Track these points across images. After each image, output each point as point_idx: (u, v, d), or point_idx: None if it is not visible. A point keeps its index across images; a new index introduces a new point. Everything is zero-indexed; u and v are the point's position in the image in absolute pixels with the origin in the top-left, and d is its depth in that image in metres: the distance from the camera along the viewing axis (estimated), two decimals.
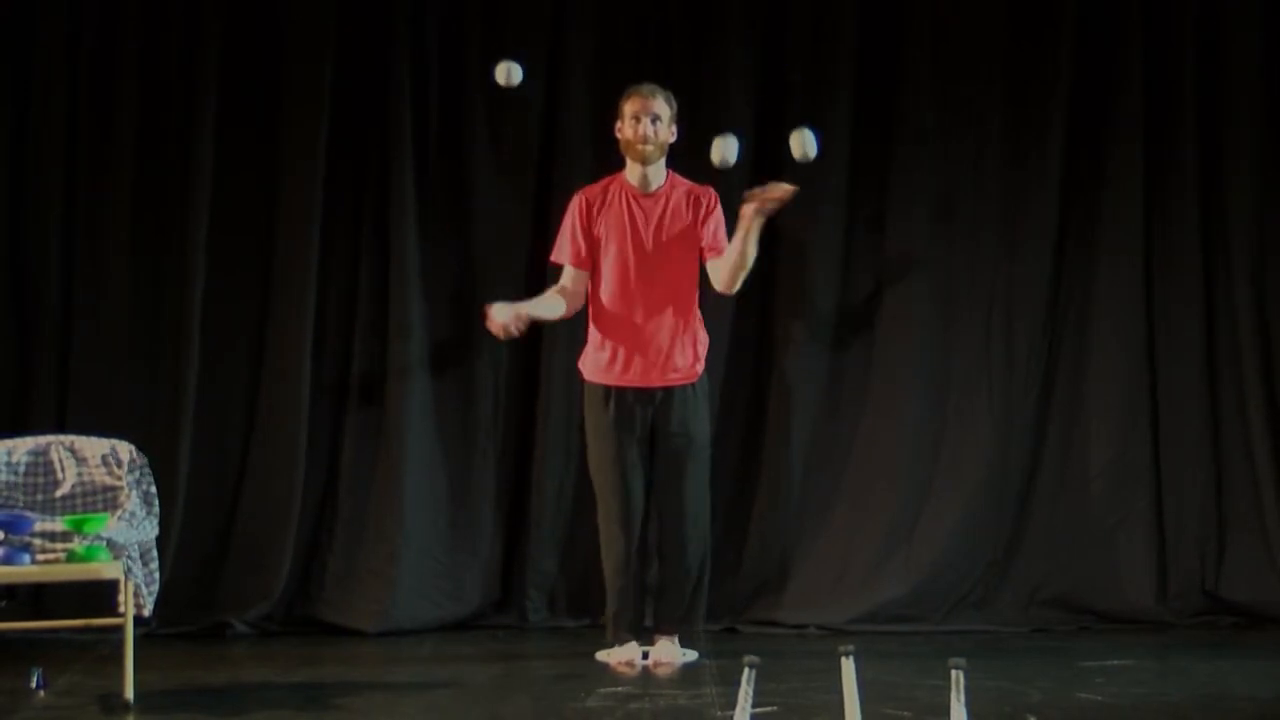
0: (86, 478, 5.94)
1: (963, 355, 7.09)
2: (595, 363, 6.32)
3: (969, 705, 4.44)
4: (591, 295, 6.34)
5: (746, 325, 7.04)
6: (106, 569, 5.55)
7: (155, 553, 5.87)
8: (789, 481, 7.04)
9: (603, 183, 6.38)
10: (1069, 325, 7.12)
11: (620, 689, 5.81)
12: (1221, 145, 7.09)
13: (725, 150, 6.23)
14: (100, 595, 5.70)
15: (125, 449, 5.98)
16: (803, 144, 6.22)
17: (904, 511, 7.03)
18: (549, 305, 6.34)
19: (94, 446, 5.99)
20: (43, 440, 6.01)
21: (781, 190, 6.11)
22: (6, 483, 5.90)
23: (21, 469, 5.93)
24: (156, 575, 5.83)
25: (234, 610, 6.87)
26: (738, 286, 6.33)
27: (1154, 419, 7.08)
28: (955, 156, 7.09)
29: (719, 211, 6.32)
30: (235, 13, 6.97)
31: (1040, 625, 6.96)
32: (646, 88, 6.29)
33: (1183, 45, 7.07)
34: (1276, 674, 6.06)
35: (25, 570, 5.61)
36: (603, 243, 6.29)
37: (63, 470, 5.94)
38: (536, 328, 6.95)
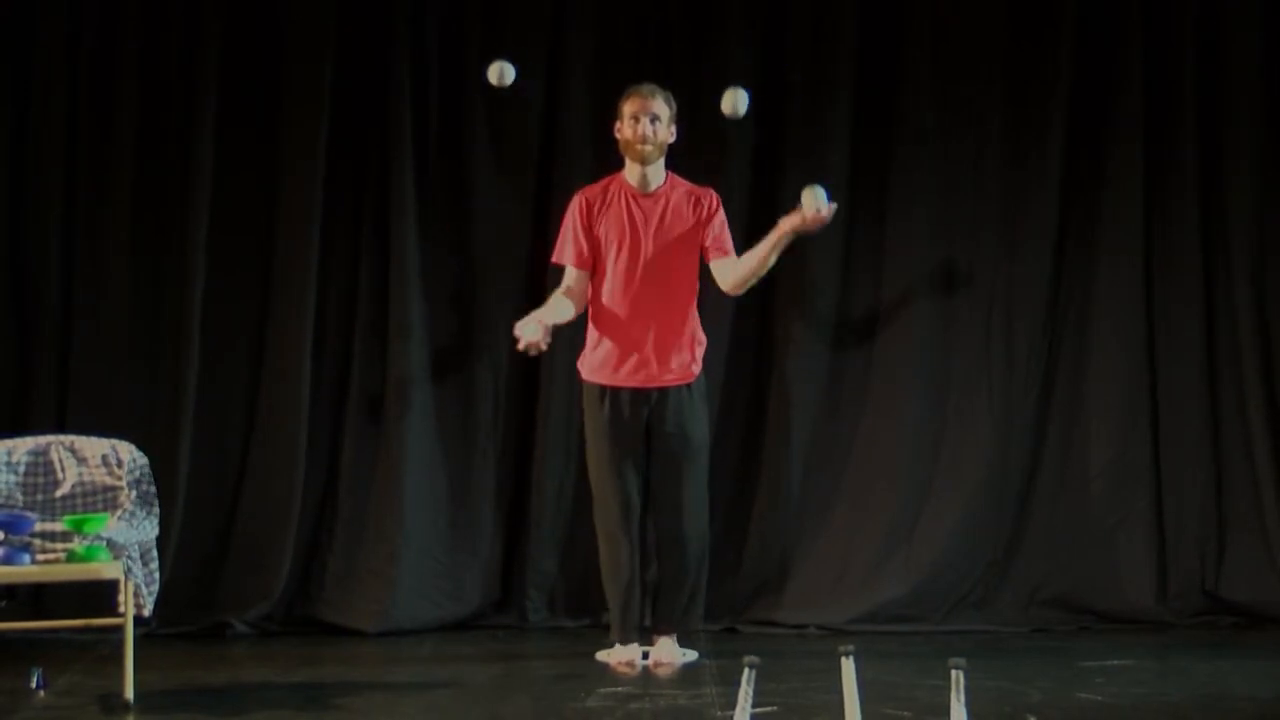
0: (86, 478, 5.94)
1: (963, 355, 7.09)
2: (593, 362, 6.32)
3: (969, 705, 4.44)
4: (591, 295, 6.34)
5: (746, 325, 7.04)
6: (106, 569, 5.55)
7: (155, 553, 5.87)
8: (789, 481, 7.04)
9: (602, 183, 6.38)
10: (1069, 325, 7.12)
11: (620, 689, 5.81)
12: (1221, 145, 7.09)
13: (736, 101, 6.22)
14: (100, 595, 5.70)
15: (125, 449, 5.98)
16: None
17: (904, 511, 7.03)
18: (561, 310, 6.31)
19: (94, 446, 5.99)
20: (43, 440, 6.02)
21: (827, 212, 6.12)
22: (6, 483, 5.90)
23: (21, 469, 5.93)
24: (156, 575, 5.83)
25: (234, 610, 6.87)
26: (744, 290, 6.34)
27: (1154, 419, 7.08)
28: (955, 156, 7.09)
29: (722, 213, 6.33)
30: (235, 13, 6.97)
31: (1040, 625, 6.96)
32: (646, 88, 6.29)
33: (1183, 45, 7.07)
34: (1276, 674, 6.06)
35: (25, 570, 5.61)
36: (603, 243, 6.29)
37: (63, 470, 5.95)
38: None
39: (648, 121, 6.25)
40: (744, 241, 6.86)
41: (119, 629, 5.59)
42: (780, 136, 7.07)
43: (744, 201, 7.01)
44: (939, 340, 7.09)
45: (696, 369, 6.31)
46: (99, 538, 5.62)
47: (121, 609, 5.57)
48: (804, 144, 7.06)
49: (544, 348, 6.22)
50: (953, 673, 4.43)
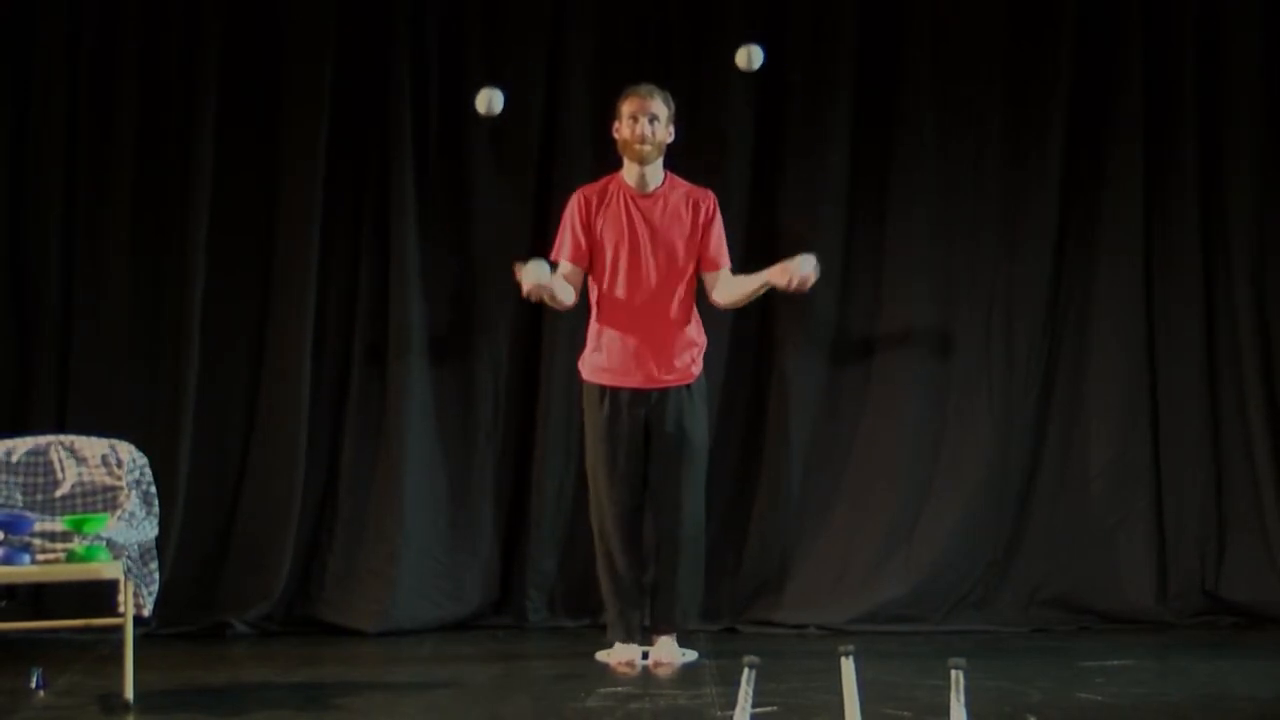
0: (86, 478, 5.94)
1: (963, 355, 7.09)
2: (593, 363, 6.32)
3: (969, 705, 4.44)
4: (590, 295, 6.34)
5: (746, 326, 7.04)
6: (106, 569, 5.55)
7: (155, 553, 5.87)
8: (789, 481, 7.04)
9: (601, 182, 6.38)
10: (1069, 325, 7.12)
11: (620, 689, 5.81)
12: (1221, 145, 7.09)
13: (750, 55, 6.22)
14: (100, 595, 5.71)
15: (125, 449, 5.98)
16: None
17: (904, 511, 7.03)
18: (563, 286, 6.29)
19: (94, 446, 5.99)
20: (43, 440, 6.01)
21: (811, 279, 6.19)
22: (6, 483, 5.90)
23: (21, 469, 5.93)
24: (156, 575, 5.83)
25: (234, 610, 6.87)
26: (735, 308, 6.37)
27: (1154, 419, 7.08)
28: (955, 156, 7.09)
29: (719, 221, 6.33)
30: (235, 13, 6.97)
31: (1040, 625, 6.96)
32: (644, 88, 6.29)
33: (1183, 45, 7.07)
34: (1276, 674, 6.06)
35: (25, 570, 5.61)
36: (601, 243, 6.29)
37: (63, 470, 5.95)
38: (537, 328, 6.98)
39: (646, 121, 6.25)
40: (743, 241, 6.89)
41: (119, 629, 5.59)
42: (780, 136, 7.07)
43: (744, 201, 7.01)
44: (939, 340, 7.09)
45: (696, 369, 6.32)
46: (99, 538, 5.62)
47: (121, 609, 5.57)
48: (804, 144, 7.06)
49: (537, 298, 6.16)
50: (953, 673, 4.43)
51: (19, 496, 5.90)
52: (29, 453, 5.95)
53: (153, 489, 5.95)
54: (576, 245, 6.31)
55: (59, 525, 5.79)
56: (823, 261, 7.02)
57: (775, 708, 5.39)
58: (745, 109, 7.05)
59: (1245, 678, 5.96)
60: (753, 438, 7.09)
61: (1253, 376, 7.03)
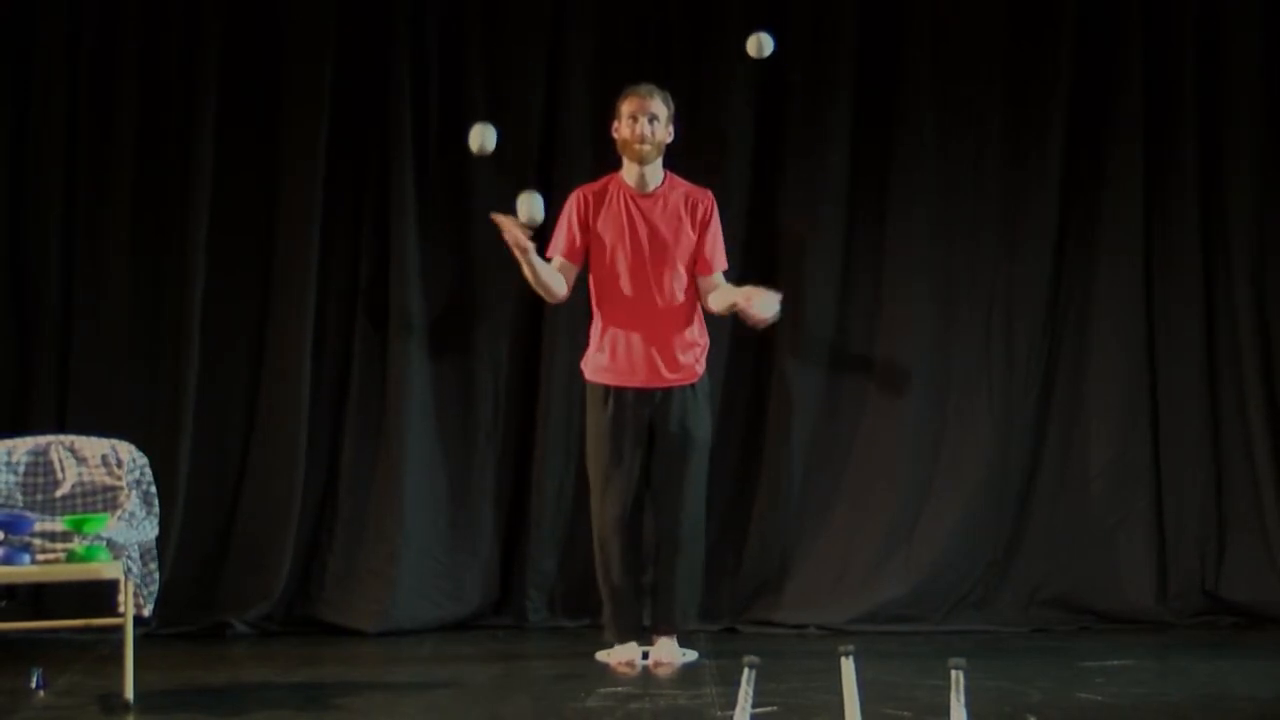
0: (86, 478, 5.94)
1: (963, 355, 7.09)
2: (596, 363, 6.32)
3: (969, 705, 4.44)
4: (591, 295, 6.34)
5: (746, 325, 7.03)
6: (106, 569, 5.55)
7: (155, 553, 5.87)
8: (789, 481, 7.04)
9: (601, 182, 6.39)
10: (1069, 325, 7.12)
11: (620, 689, 5.81)
12: (1221, 145, 7.09)
13: (761, 43, 6.23)
14: (100, 595, 5.71)
15: (125, 449, 5.98)
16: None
17: (904, 511, 7.03)
18: (551, 271, 6.28)
19: (94, 446, 5.99)
20: (43, 440, 6.02)
21: (767, 321, 6.24)
22: (6, 483, 5.90)
23: (21, 469, 5.93)
24: (156, 575, 5.83)
25: (234, 610, 6.87)
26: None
27: (1154, 419, 7.08)
28: (955, 156, 7.09)
29: (716, 222, 6.33)
30: (235, 13, 6.97)
31: (1040, 625, 6.96)
32: (644, 88, 6.30)
33: (1183, 45, 7.07)
34: (1276, 674, 6.06)
35: (25, 570, 5.61)
36: (601, 243, 6.29)
37: (63, 470, 5.95)
38: (537, 328, 6.98)
39: (645, 121, 6.25)
40: (743, 241, 6.90)
41: (119, 629, 5.59)
42: (780, 136, 7.07)
43: (744, 202, 7.01)
44: (939, 340, 7.09)
45: (700, 369, 6.32)
46: (99, 538, 5.62)
47: (121, 609, 5.57)
48: (804, 144, 7.06)
49: (516, 243, 6.13)
50: (953, 673, 4.43)
51: (19, 496, 5.90)
52: (29, 453, 5.96)
53: (153, 489, 5.95)
54: (571, 242, 6.32)
55: (59, 525, 5.79)
56: (823, 261, 7.07)
57: (775, 708, 5.40)
58: (745, 109, 7.04)
59: (1245, 678, 5.96)
60: (753, 438, 7.09)
61: (1253, 376, 7.03)
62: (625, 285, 6.26)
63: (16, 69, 6.93)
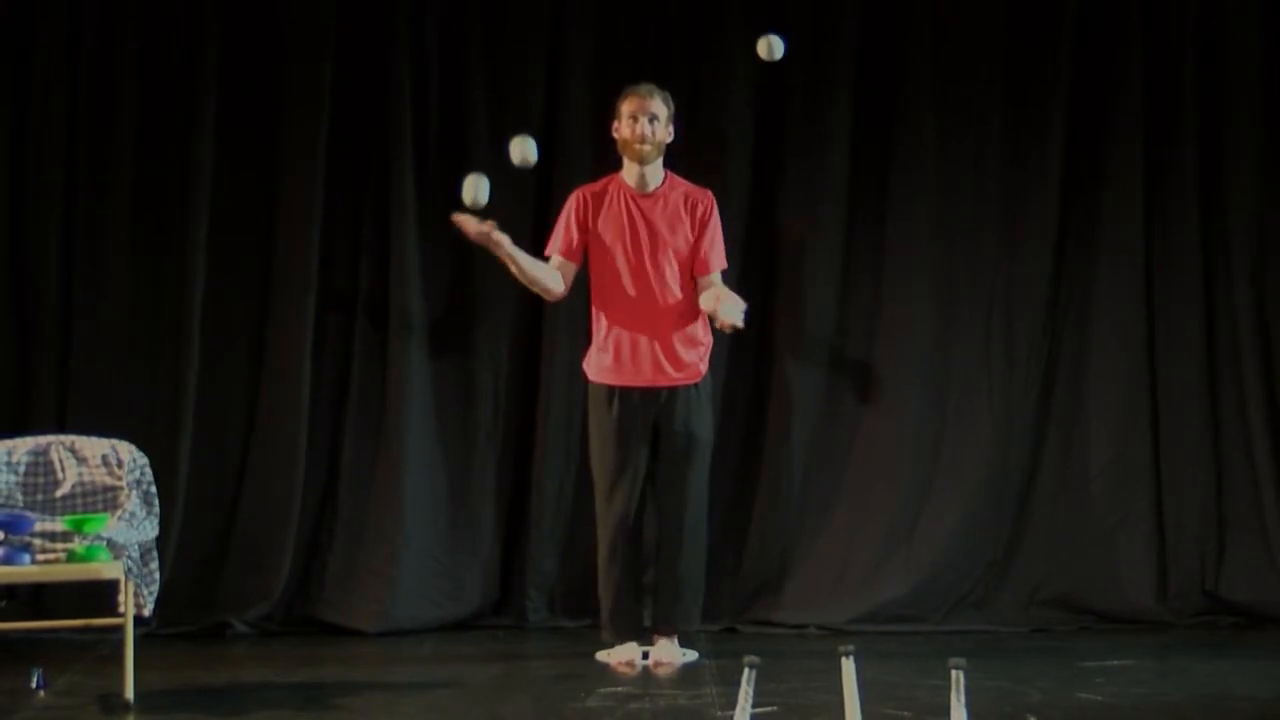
0: (86, 478, 5.94)
1: (963, 355, 7.09)
2: (599, 363, 6.32)
3: (969, 705, 4.44)
4: (593, 296, 6.34)
5: (746, 325, 7.00)
6: (106, 569, 5.55)
7: (155, 553, 5.87)
8: (789, 481, 7.04)
9: (601, 182, 6.39)
10: (1069, 325, 7.12)
11: (620, 689, 5.81)
12: (1221, 145, 7.09)
13: (771, 45, 6.22)
14: (100, 595, 5.70)
15: (125, 449, 5.98)
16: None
17: (904, 511, 7.03)
18: (538, 266, 6.31)
19: (94, 446, 5.99)
20: (43, 440, 6.01)
21: (730, 326, 6.17)
22: (7, 483, 5.90)
23: (21, 469, 5.93)
24: (156, 575, 5.83)
25: (234, 610, 6.87)
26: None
27: (1154, 419, 7.08)
28: (955, 156, 7.09)
29: (715, 222, 6.33)
30: (235, 13, 6.97)
31: (1040, 625, 6.96)
32: (644, 87, 6.30)
33: (1183, 45, 7.07)
34: (1276, 674, 6.06)
35: (25, 570, 5.61)
36: (601, 243, 6.29)
37: (63, 470, 5.94)
38: (537, 328, 6.98)
39: (646, 121, 6.25)
40: (743, 241, 6.90)
41: (119, 629, 5.59)
42: (780, 136, 7.07)
43: (744, 201, 7.02)
44: (939, 340, 7.09)
45: (704, 368, 6.33)
46: (99, 538, 5.62)
47: (121, 609, 5.57)
48: (804, 144, 7.06)
49: (470, 234, 6.16)
50: (953, 673, 4.43)
51: (19, 496, 5.90)
52: (29, 453, 5.96)
53: (153, 489, 5.95)
54: (569, 240, 6.33)
55: (59, 525, 5.79)
56: (823, 261, 7.07)
57: (775, 708, 5.40)
58: (745, 109, 7.04)
59: (1245, 678, 5.96)
60: (753, 438, 7.09)
61: (1253, 376, 7.03)
62: (627, 285, 6.26)
63: (16, 69, 6.93)
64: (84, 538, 5.65)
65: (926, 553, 6.99)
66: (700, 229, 6.31)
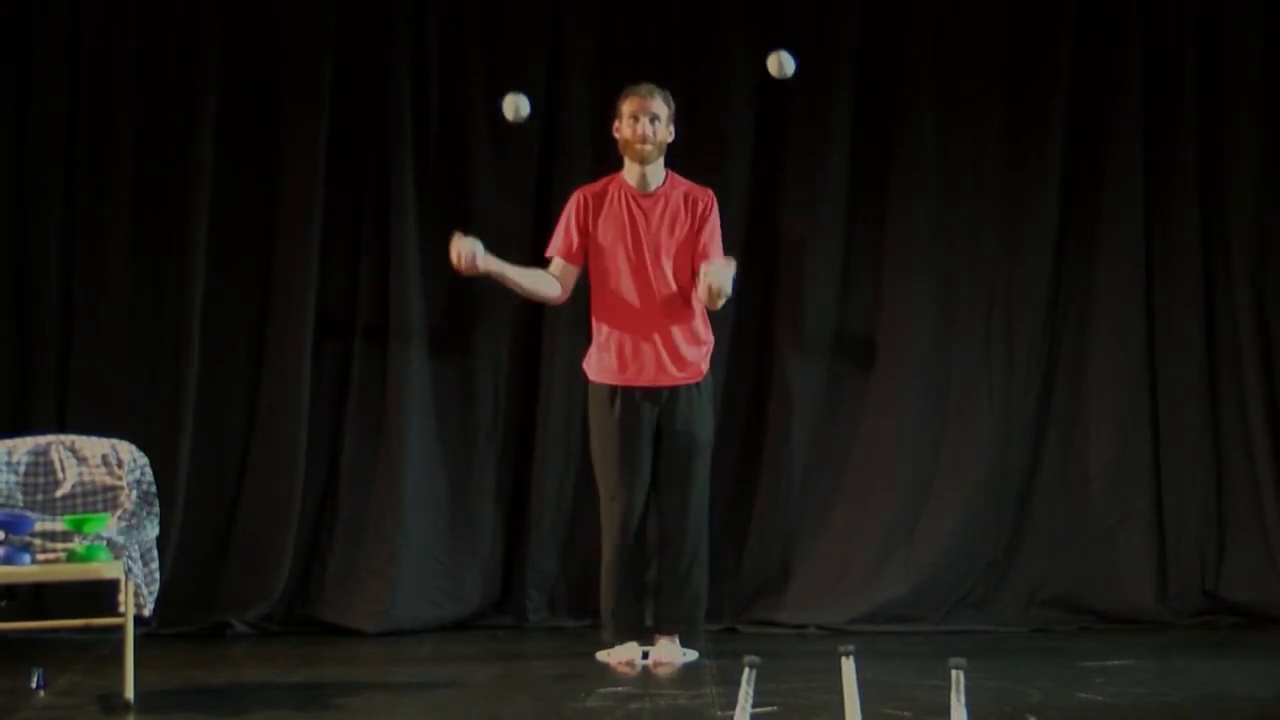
0: (87, 478, 5.94)
1: (963, 355, 7.09)
2: (600, 363, 6.32)
3: (969, 705, 4.44)
4: (593, 296, 6.34)
5: (746, 325, 7.04)
6: (107, 569, 5.55)
7: (155, 552, 5.87)
8: (789, 481, 7.04)
9: (602, 182, 6.39)
10: (1069, 325, 7.12)
11: (620, 689, 5.81)
12: (1221, 145, 7.10)
13: (781, 61, 6.20)
14: (100, 595, 5.70)
15: (125, 449, 5.98)
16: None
17: (904, 511, 7.03)
18: (534, 277, 6.32)
19: (94, 446, 5.99)
20: (43, 440, 6.02)
21: (719, 290, 6.11)
22: (7, 483, 5.90)
23: (22, 469, 5.93)
24: (157, 575, 5.83)
25: (234, 610, 6.87)
26: (718, 308, 6.33)
27: (1154, 419, 7.08)
28: (955, 156, 7.09)
29: (714, 218, 6.33)
30: (235, 13, 6.97)
31: (1040, 625, 6.96)
32: (644, 87, 6.30)
33: (1183, 45, 7.07)
34: (1276, 674, 6.06)
35: (25, 570, 5.61)
36: (602, 243, 6.29)
37: (63, 470, 5.95)
38: (536, 327, 6.98)
39: (647, 121, 6.25)
40: (743, 241, 6.89)
41: (119, 629, 5.59)
42: (780, 136, 7.07)
43: (744, 201, 7.02)
44: (939, 340, 7.09)
45: (705, 367, 6.33)
46: (99, 537, 5.62)
47: (122, 609, 5.57)
48: (804, 144, 7.06)
49: (463, 267, 6.17)
50: (953, 673, 4.43)
51: (19, 496, 5.90)
52: (30, 453, 5.96)
53: (153, 489, 5.95)
54: (569, 243, 6.33)
55: (59, 525, 5.79)
56: (823, 261, 7.07)
57: (775, 708, 5.39)
58: (745, 109, 7.04)
59: (1245, 678, 5.96)
60: (753, 438, 7.09)
61: (1253, 376, 7.03)
62: (628, 285, 6.26)
63: (16, 69, 6.93)
64: (84, 538, 5.65)
65: (926, 553, 6.99)
66: (700, 224, 6.30)
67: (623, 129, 6.29)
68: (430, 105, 7.02)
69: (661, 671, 6.16)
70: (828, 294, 7.06)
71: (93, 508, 5.88)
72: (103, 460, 5.95)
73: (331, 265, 7.01)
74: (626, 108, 6.28)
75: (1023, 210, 7.09)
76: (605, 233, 6.29)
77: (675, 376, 6.27)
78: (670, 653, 6.28)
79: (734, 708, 4.55)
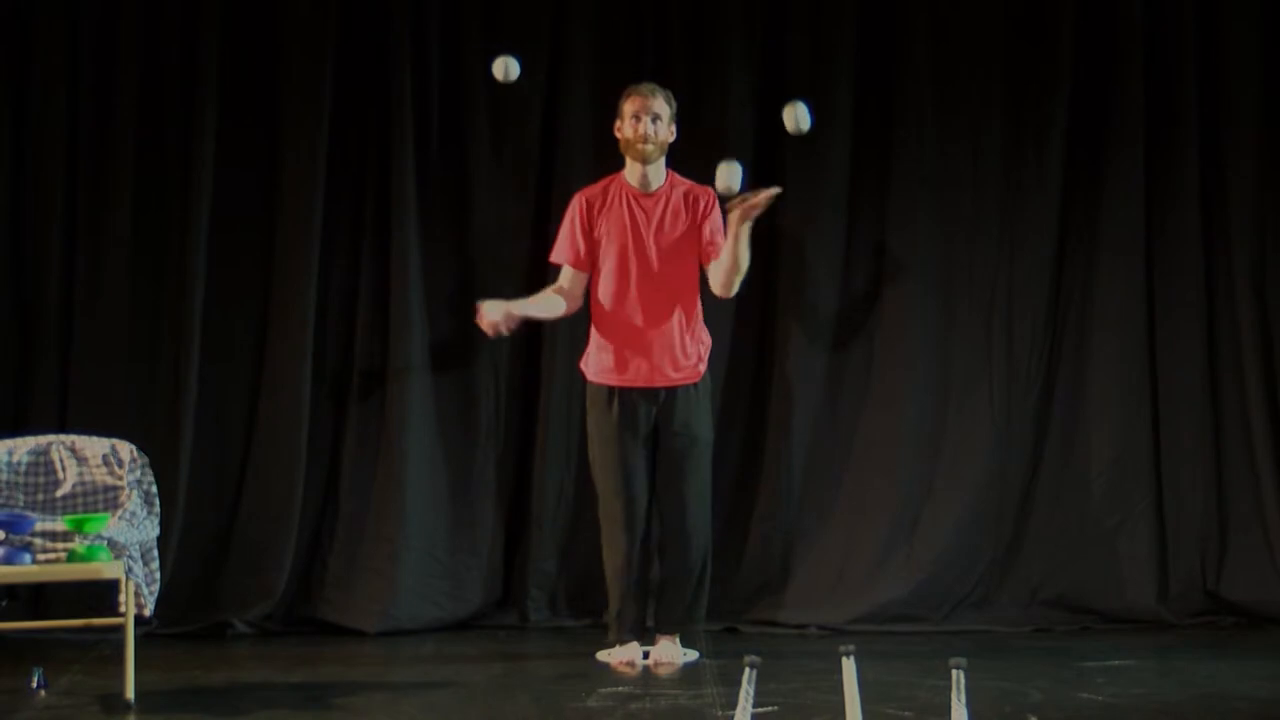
0: (87, 477, 5.94)
1: (963, 355, 7.09)
2: (598, 364, 6.32)
3: (969, 705, 4.44)
4: (593, 296, 6.34)
5: (746, 325, 7.04)
6: (107, 569, 5.55)
7: (156, 552, 5.87)
8: (789, 481, 7.04)
9: (602, 183, 6.39)
10: (1069, 325, 7.12)
11: (621, 689, 5.81)
12: (1221, 145, 7.09)
13: (797, 116, 6.18)
14: (100, 595, 5.71)
15: (125, 449, 5.98)
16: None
17: (904, 511, 7.03)
18: (545, 304, 6.36)
19: (94, 446, 5.99)
20: (43, 440, 6.02)
21: (765, 196, 6.09)
22: (7, 483, 5.90)
23: (22, 469, 5.93)
24: (157, 575, 5.83)
25: (234, 610, 6.87)
26: (735, 290, 6.32)
27: (1154, 419, 7.08)
28: (955, 156, 7.09)
29: (717, 213, 6.32)
30: (235, 13, 6.96)
31: (1040, 625, 6.96)
32: (646, 87, 6.30)
33: (1183, 45, 7.07)
34: (1277, 674, 6.05)
35: (26, 570, 5.61)
36: (603, 244, 6.29)
37: (63, 470, 5.95)
38: (536, 327, 6.97)
39: (648, 120, 6.25)
40: None
41: (119, 629, 5.59)
42: (780, 136, 7.06)
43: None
44: (939, 340, 7.09)
45: (703, 368, 6.33)
46: (99, 537, 5.62)
47: (122, 609, 5.57)
48: (804, 144, 7.04)
49: (504, 332, 6.28)
50: (953, 673, 4.43)
51: (20, 496, 5.90)
52: (30, 452, 5.96)
53: (154, 489, 5.95)
54: (576, 251, 6.32)
55: (60, 525, 5.79)
56: (823, 261, 7.06)
57: (775, 708, 5.40)
58: (745, 109, 7.04)
59: (1245, 678, 5.95)
60: (753, 437, 7.09)
61: (1253, 376, 7.03)
62: (628, 285, 6.26)
63: (16, 69, 6.93)
64: (84, 537, 5.65)
65: (927, 552, 6.99)
66: (702, 221, 6.30)
67: (624, 129, 6.29)
68: (430, 105, 7.02)
69: (662, 671, 6.16)
70: (828, 294, 7.06)
71: (93, 508, 5.88)
72: (103, 460, 5.95)
73: (331, 265, 7.01)
74: (628, 107, 6.28)
75: (1023, 210, 7.09)
76: (607, 232, 6.29)
77: (673, 377, 6.27)
78: (671, 653, 6.28)
79: (734, 708, 4.55)
